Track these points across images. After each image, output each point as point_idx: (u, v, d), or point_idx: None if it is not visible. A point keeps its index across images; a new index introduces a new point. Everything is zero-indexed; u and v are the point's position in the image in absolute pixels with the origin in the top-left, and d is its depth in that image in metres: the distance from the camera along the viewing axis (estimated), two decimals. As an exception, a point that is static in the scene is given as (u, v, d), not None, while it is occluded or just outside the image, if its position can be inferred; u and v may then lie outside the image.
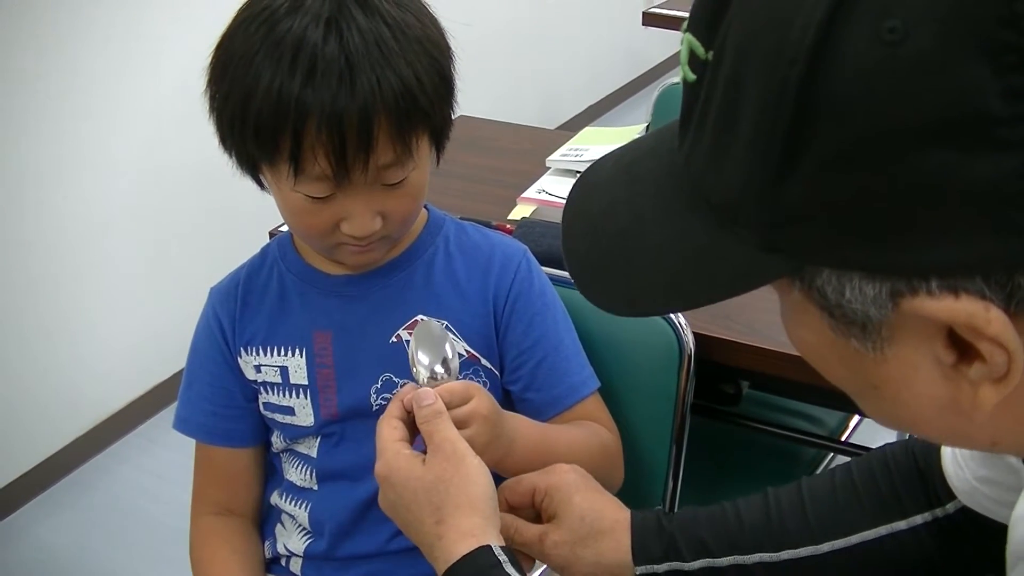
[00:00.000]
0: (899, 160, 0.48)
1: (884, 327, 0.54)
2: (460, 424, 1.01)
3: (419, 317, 1.15)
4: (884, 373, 0.57)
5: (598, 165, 0.73)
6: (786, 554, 1.01)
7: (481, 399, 1.04)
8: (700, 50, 0.57)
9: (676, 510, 1.57)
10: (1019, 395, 0.53)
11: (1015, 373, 0.52)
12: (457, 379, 1.06)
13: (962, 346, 0.53)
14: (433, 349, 1.06)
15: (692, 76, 0.58)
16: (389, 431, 0.98)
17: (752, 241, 0.55)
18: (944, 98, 0.46)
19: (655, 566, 1.03)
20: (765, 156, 0.52)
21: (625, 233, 0.65)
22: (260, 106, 1.02)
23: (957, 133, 0.46)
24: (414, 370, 1.05)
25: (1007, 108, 0.45)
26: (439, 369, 1.04)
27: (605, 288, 0.68)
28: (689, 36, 0.58)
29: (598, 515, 1.06)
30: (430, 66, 1.06)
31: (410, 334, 1.10)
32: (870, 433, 1.79)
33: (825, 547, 1.00)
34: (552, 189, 1.94)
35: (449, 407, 1.00)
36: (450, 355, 1.06)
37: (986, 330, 0.50)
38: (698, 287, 0.62)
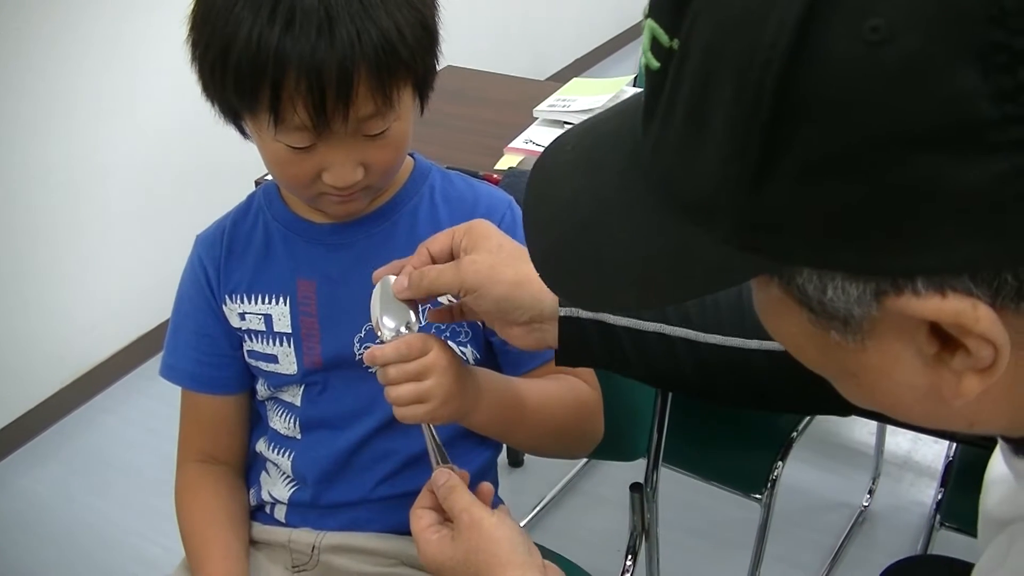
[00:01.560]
0: (883, 166, 0.46)
1: (866, 322, 0.53)
2: (418, 376, 1.02)
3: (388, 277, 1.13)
4: (864, 361, 0.56)
5: (557, 147, 0.71)
6: (714, 338, 0.98)
7: (439, 351, 1.04)
8: (663, 38, 0.54)
9: (661, 462, 1.59)
10: (1000, 382, 0.52)
11: (1000, 365, 0.51)
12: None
13: (944, 337, 0.52)
14: (397, 309, 1.05)
15: (656, 64, 0.55)
16: (416, 521, 1.02)
17: (727, 240, 0.53)
18: (931, 102, 0.44)
19: (581, 310, 1.00)
20: (741, 159, 0.50)
21: (590, 228, 0.64)
22: (239, 56, 1.01)
23: (945, 138, 0.45)
24: (379, 332, 1.05)
25: (996, 110, 0.44)
26: (403, 329, 1.05)
27: (572, 284, 0.67)
28: (651, 23, 0.55)
29: (519, 247, 1.03)
30: (412, 16, 1.05)
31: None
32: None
33: (753, 343, 0.97)
34: (539, 139, 1.94)
35: (407, 359, 1.02)
36: (412, 318, 1.06)
37: (974, 328, 0.49)
38: (671, 286, 0.60)
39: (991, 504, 0.79)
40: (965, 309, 0.49)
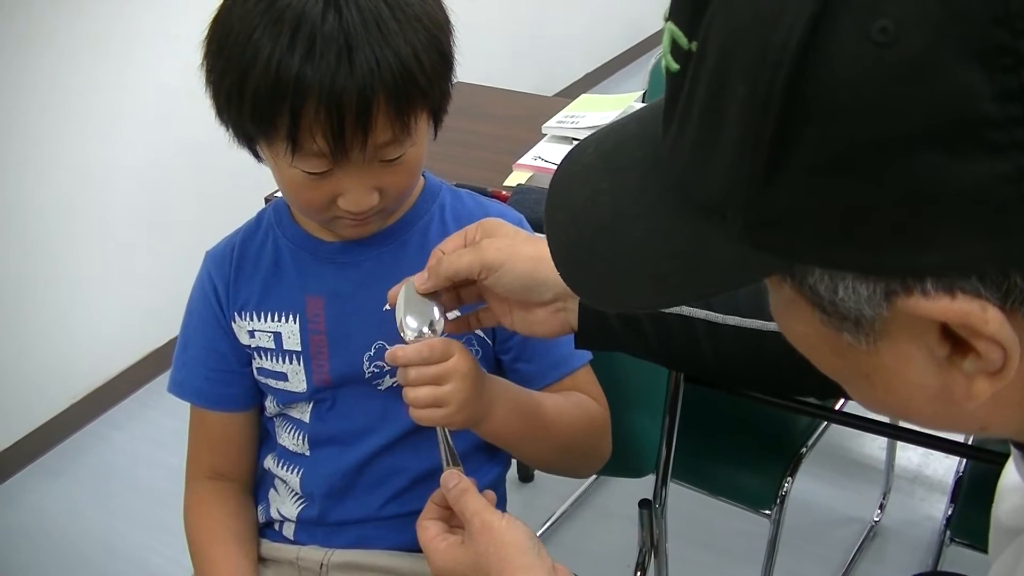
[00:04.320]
0: (890, 164, 0.47)
1: (877, 322, 0.54)
2: (438, 380, 1.03)
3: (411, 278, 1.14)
4: (877, 363, 0.57)
5: (578, 151, 0.72)
6: (733, 320, 1.00)
7: (461, 357, 1.05)
8: (683, 40, 0.55)
9: (669, 479, 1.58)
10: (1012, 385, 0.53)
11: (1010, 368, 0.51)
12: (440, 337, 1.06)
13: (956, 339, 0.52)
14: (421, 310, 1.06)
15: (675, 66, 0.56)
16: (423, 533, 1.02)
17: (740, 239, 0.54)
18: (937, 102, 0.45)
19: None
20: (752, 158, 0.50)
21: (608, 228, 0.65)
22: (258, 83, 1.01)
23: (950, 137, 0.45)
24: (402, 332, 1.05)
25: (1001, 111, 0.44)
26: (426, 330, 1.05)
27: (591, 283, 0.68)
28: (671, 25, 0.56)
29: (534, 235, 1.05)
30: (429, 44, 1.05)
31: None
32: (864, 402, 1.79)
33: (772, 325, 0.95)
34: (548, 156, 1.94)
35: (428, 362, 1.03)
36: (436, 316, 1.06)
37: (983, 330, 0.50)
38: (686, 284, 0.61)
39: (1003, 513, 0.79)
40: (974, 310, 0.49)
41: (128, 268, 3.03)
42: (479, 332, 1.24)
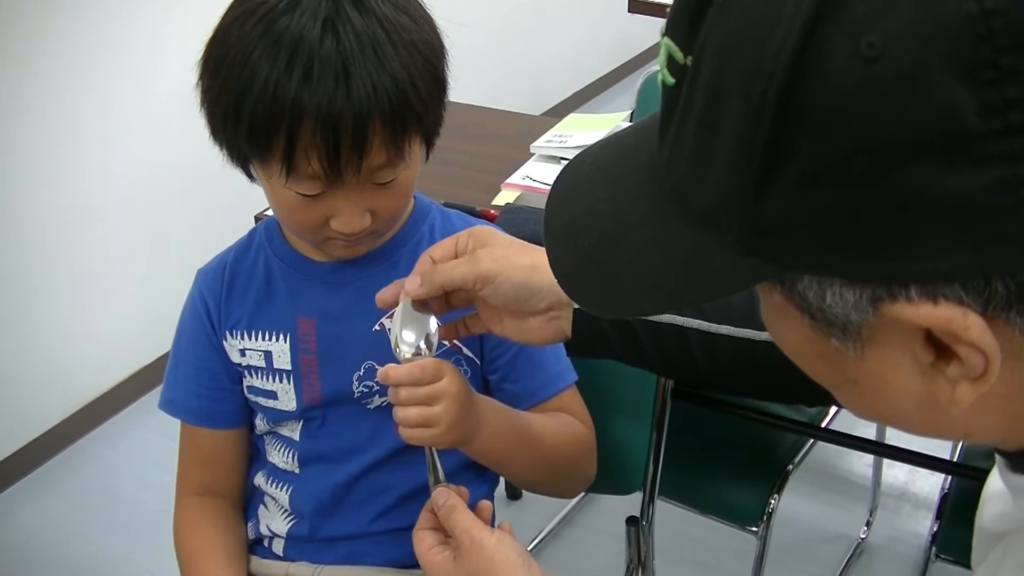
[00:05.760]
0: (878, 175, 0.48)
1: (864, 329, 0.55)
2: (428, 400, 1.03)
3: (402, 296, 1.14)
4: (864, 369, 0.58)
5: (577, 162, 0.74)
6: (725, 329, 1.01)
7: (452, 378, 1.05)
8: (678, 55, 0.57)
9: (656, 495, 1.59)
10: (995, 392, 0.54)
11: (992, 374, 0.53)
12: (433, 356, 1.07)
13: (940, 346, 0.54)
14: (417, 324, 1.07)
15: (671, 80, 0.58)
16: (418, 544, 1.02)
17: (733, 246, 0.56)
18: (922, 115, 0.47)
19: None
20: (745, 168, 0.52)
21: (607, 236, 0.66)
22: (255, 105, 1.01)
23: (935, 149, 0.47)
24: (396, 350, 1.06)
25: (984, 124, 0.46)
26: (422, 344, 1.06)
27: (589, 291, 0.70)
28: (667, 40, 0.58)
29: (527, 243, 1.06)
30: (424, 69, 1.06)
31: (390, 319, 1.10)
32: (849, 420, 1.80)
33: (764, 335, 0.97)
34: (536, 175, 1.95)
35: (419, 383, 1.03)
36: (432, 330, 1.07)
37: (964, 335, 0.51)
38: (682, 291, 0.63)
39: (987, 518, 0.80)
40: (955, 316, 0.51)
41: (120, 284, 3.03)
42: (468, 352, 1.25)
